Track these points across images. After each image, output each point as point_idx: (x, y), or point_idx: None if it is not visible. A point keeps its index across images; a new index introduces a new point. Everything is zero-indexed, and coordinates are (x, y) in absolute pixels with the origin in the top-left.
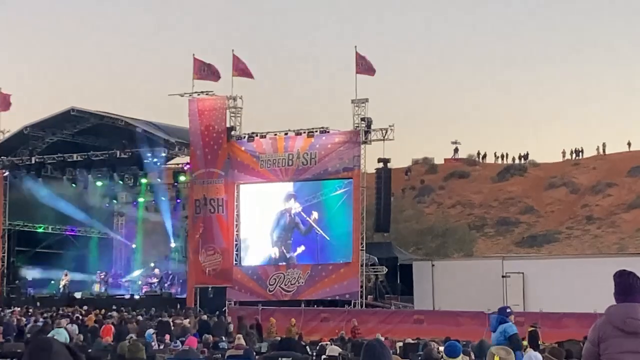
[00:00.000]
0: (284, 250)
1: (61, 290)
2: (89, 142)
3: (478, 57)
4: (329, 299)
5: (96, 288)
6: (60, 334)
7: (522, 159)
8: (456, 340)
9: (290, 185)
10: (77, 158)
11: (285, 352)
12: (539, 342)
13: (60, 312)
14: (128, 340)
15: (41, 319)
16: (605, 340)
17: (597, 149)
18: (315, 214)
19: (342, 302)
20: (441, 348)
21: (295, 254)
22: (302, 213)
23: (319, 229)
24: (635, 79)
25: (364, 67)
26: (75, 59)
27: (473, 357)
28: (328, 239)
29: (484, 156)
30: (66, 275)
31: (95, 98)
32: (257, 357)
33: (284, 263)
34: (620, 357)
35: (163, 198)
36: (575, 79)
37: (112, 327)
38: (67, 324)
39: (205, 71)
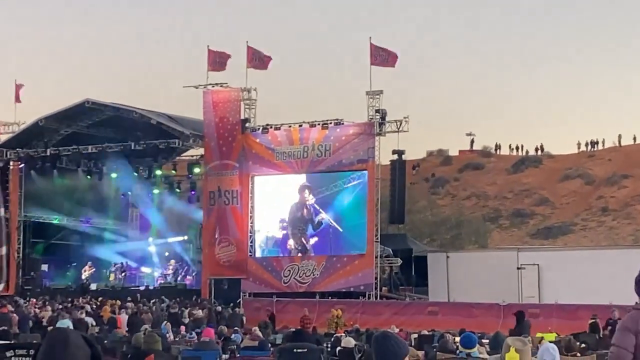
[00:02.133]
0: (302, 242)
1: (84, 282)
2: (103, 134)
3: (493, 49)
4: (343, 290)
5: (111, 278)
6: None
7: (537, 150)
8: (471, 331)
9: (304, 177)
10: (91, 150)
11: (300, 344)
12: (600, 333)
13: (76, 303)
14: (143, 331)
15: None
16: None
17: (613, 141)
18: (328, 206)
19: (356, 294)
20: (457, 339)
21: (310, 245)
22: (315, 205)
23: (332, 220)
24: None
25: (382, 58)
26: (90, 51)
27: (488, 348)
28: (341, 230)
29: (499, 148)
30: (90, 266)
31: (110, 90)
32: (271, 348)
33: (299, 254)
34: None
35: (178, 190)
36: (590, 71)
37: (127, 318)
38: (82, 315)
39: (217, 62)
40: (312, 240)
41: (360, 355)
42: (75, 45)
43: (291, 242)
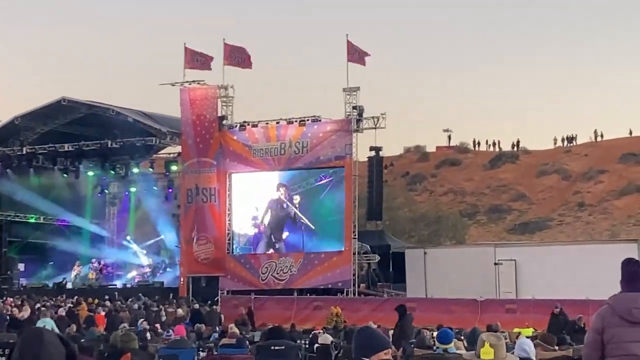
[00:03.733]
0: (275, 239)
1: (74, 281)
2: (80, 132)
3: (470, 45)
4: (321, 287)
5: (90, 276)
6: (47, 324)
7: (514, 146)
8: (449, 327)
9: (279, 175)
10: (68, 148)
11: (277, 341)
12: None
13: (52, 302)
14: (120, 329)
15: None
16: (610, 328)
17: (589, 136)
18: (300, 203)
19: (334, 291)
20: (434, 335)
21: (283, 242)
22: (289, 202)
23: (304, 217)
24: (626, 66)
25: (356, 56)
26: (66, 49)
27: (465, 344)
28: (313, 227)
29: (477, 144)
30: (78, 265)
31: (87, 88)
32: (249, 346)
33: (276, 252)
34: (626, 346)
35: (155, 188)
36: (566, 66)
37: (104, 316)
38: (60, 314)
39: (197, 60)
40: (286, 237)
41: (337, 352)
42: (50, 43)
43: (265, 240)
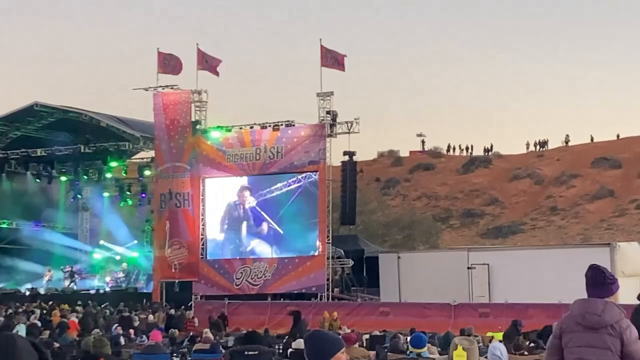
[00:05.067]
0: (239, 244)
1: (46, 286)
2: (52, 137)
3: (443, 50)
4: (295, 292)
5: (65, 283)
6: (20, 331)
7: (487, 151)
8: (422, 331)
9: (250, 179)
10: (41, 153)
11: (251, 346)
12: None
13: (24, 307)
14: (93, 335)
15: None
16: (566, 333)
17: (561, 140)
18: (269, 208)
19: (308, 295)
20: (408, 339)
21: (250, 247)
22: (256, 207)
23: (273, 222)
24: (596, 72)
25: (332, 61)
26: (38, 53)
27: (438, 348)
28: (282, 232)
29: (450, 148)
30: (49, 271)
31: (59, 93)
32: (223, 351)
33: (250, 257)
34: (579, 350)
35: (128, 193)
36: (538, 71)
37: (77, 322)
38: (33, 320)
39: (169, 65)
40: (252, 242)
41: None
42: (22, 47)
43: (231, 245)
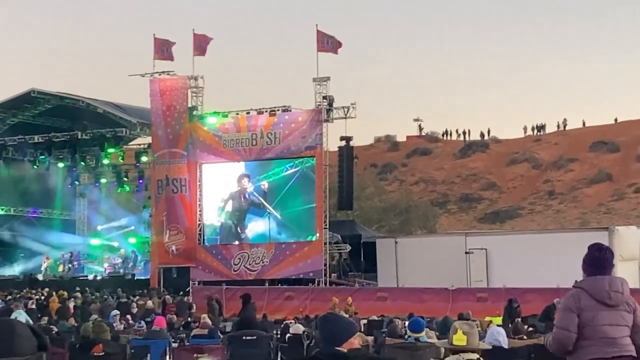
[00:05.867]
0: (238, 230)
1: (44, 273)
2: (49, 124)
3: (440, 35)
4: (293, 277)
5: (60, 269)
6: (20, 316)
7: (484, 135)
8: (420, 316)
9: (247, 165)
10: (38, 140)
11: (248, 331)
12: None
13: (22, 294)
14: (92, 321)
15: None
16: (586, 311)
17: (558, 124)
18: (267, 193)
19: (306, 281)
20: (406, 324)
21: (247, 233)
22: (254, 192)
23: (270, 208)
24: (594, 55)
25: (328, 45)
26: (35, 40)
27: (437, 332)
28: (280, 217)
29: (447, 133)
30: (47, 258)
31: (56, 79)
32: (221, 336)
33: (247, 243)
34: (603, 329)
35: (125, 179)
36: (535, 55)
37: (74, 308)
38: (31, 306)
39: (166, 51)
40: (251, 228)
41: (309, 342)
42: (19, 34)
43: (229, 231)
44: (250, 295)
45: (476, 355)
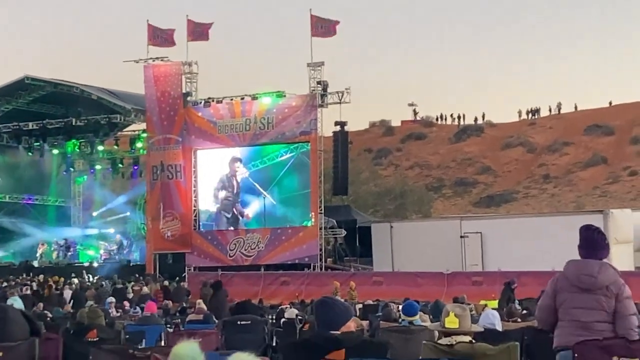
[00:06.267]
0: (234, 214)
1: (39, 259)
2: (44, 110)
3: (433, 19)
4: (288, 262)
5: (54, 256)
6: (16, 302)
7: (477, 120)
8: (415, 300)
9: (241, 151)
10: (32, 126)
11: (243, 316)
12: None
13: (18, 280)
14: (88, 307)
15: None
16: (561, 293)
17: (550, 108)
18: (263, 179)
19: (302, 266)
20: (400, 307)
21: (243, 219)
22: (249, 178)
23: (265, 193)
24: (588, 39)
25: (322, 29)
26: (28, 26)
27: (430, 316)
28: (274, 203)
29: (442, 118)
30: (42, 244)
31: (50, 66)
32: (216, 321)
33: (243, 228)
34: (574, 312)
35: (120, 165)
36: (529, 39)
37: (71, 295)
38: (26, 292)
39: (160, 37)
40: (246, 213)
41: (301, 325)
42: (13, 21)
43: (225, 216)
44: (221, 282)
45: (468, 338)
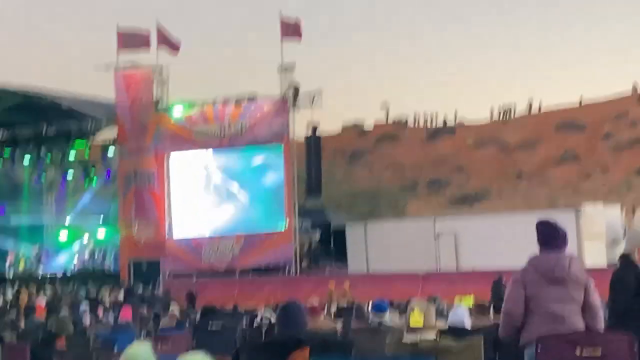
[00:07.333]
0: (206, 221)
1: (9, 270)
2: (13, 119)
3: (404, 17)
4: (263, 266)
5: (22, 265)
6: None
7: (448, 120)
8: (390, 301)
9: (214, 156)
10: (2, 136)
11: (215, 322)
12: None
13: None
14: (56, 316)
15: None
16: (531, 285)
17: (525, 106)
18: (236, 183)
19: (277, 269)
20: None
21: (217, 224)
22: (222, 183)
23: (238, 197)
24: (557, 36)
25: (291, 31)
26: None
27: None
28: (249, 207)
29: (414, 118)
30: (14, 254)
31: (20, 73)
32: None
33: (217, 234)
34: (547, 305)
35: (92, 172)
36: (499, 37)
37: (44, 304)
38: None
39: (133, 41)
40: (219, 219)
41: (266, 328)
42: None
43: (204, 220)
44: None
45: (433, 335)
